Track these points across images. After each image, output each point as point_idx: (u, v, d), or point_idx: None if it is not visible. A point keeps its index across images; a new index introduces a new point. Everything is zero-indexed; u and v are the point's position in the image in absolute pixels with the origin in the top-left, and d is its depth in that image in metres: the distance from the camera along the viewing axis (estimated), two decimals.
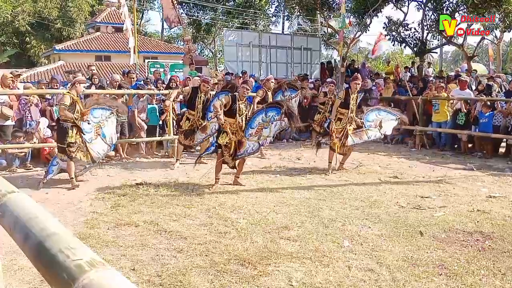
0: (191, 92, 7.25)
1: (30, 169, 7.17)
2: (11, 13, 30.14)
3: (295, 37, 16.18)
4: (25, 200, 1.28)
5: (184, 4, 30.61)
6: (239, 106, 5.91)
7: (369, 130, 7.01)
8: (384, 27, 15.67)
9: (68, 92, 5.98)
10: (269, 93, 8.26)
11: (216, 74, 13.75)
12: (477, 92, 10.04)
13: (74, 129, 5.90)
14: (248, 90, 6.06)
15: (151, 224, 4.36)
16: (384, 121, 7.05)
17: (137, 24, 16.36)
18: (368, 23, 16.06)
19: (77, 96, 6.00)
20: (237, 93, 6.00)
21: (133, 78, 9.15)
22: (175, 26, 13.74)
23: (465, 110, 9.14)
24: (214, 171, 6.04)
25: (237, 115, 5.89)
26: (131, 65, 13.07)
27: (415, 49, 15.56)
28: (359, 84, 6.84)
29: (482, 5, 12.95)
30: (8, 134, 7.40)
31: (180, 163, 7.51)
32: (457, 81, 10.43)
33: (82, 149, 5.99)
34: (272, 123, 6.08)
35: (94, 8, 33.76)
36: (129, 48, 12.62)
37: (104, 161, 7.39)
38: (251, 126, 5.99)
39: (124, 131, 8.24)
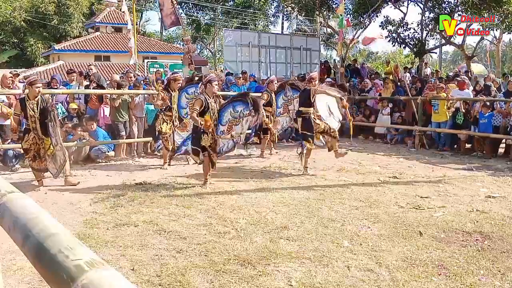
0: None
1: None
2: (10, 13, 30.11)
3: (295, 37, 16.20)
4: (24, 200, 1.28)
5: (183, 4, 30.64)
6: (210, 104, 5.83)
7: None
8: (380, 26, 15.71)
9: (21, 99, 5.76)
10: (273, 95, 8.24)
11: (221, 71, 13.77)
12: (475, 93, 10.06)
13: (29, 133, 5.73)
14: (216, 86, 5.94)
15: (150, 224, 4.36)
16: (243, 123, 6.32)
17: (136, 24, 16.34)
18: (367, 24, 16.09)
19: (34, 99, 5.66)
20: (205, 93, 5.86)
21: (131, 78, 9.17)
22: (172, 26, 13.74)
23: (464, 110, 9.16)
24: (205, 173, 5.99)
25: (210, 113, 5.81)
26: (131, 65, 13.08)
27: (414, 49, 15.59)
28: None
29: (482, 5, 12.97)
30: (8, 133, 7.40)
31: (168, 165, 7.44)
32: (455, 81, 10.46)
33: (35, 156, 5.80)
34: (242, 119, 6.09)
35: (94, 7, 33.69)
36: (130, 48, 12.63)
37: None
38: (221, 123, 6.01)
39: (125, 132, 8.25)
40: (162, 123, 7.10)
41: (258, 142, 8.74)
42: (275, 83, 8.36)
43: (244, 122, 6.13)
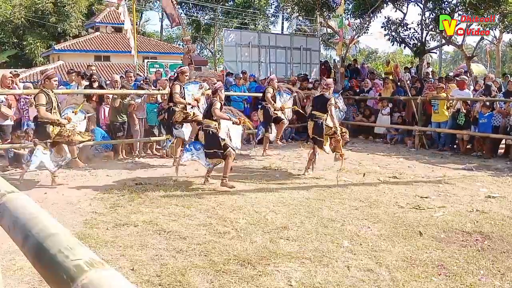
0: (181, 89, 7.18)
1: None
2: (10, 13, 30.10)
3: (295, 37, 16.19)
4: (24, 200, 1.28)
5: (183, 4, 30.64)
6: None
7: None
8: (382, 26, 15.69)
9: (41, 90, 5.79)
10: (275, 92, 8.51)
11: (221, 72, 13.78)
12: (475, 92, 10.07)
13: (53, 125, 5.77)
14: (223, 94, 6.30)
15: (150, 224, 4.36)
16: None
17: (136, 24, 16.34)
18: (367, 24, 16.08)
19: (52, 92, 5.86)
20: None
21: (131, 77, 9.18)
22: (176, 26, 13.76)
23: (465, 111, 9.16)
24: (227, 171, 5.87)
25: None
26: (132, 65, 13.10)
27: (414, 49, 15.57)
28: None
29: (481, 5, 12.96)
30: (8, 133, 7.40)
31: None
32: (455, 81, 10.46)
33: (74, 132, 5.88)
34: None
35: (93, 7, 33.66)
36: (131, 48, 12.64)
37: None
38: None
39: (123, 132, 8.25)
40: (182, 114, 7.05)
41: (270, 134, 8.64)
42: (275, 82, 8.63)
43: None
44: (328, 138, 6.74)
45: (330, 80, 7.25)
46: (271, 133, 8.58)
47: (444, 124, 9.57)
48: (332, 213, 4.80)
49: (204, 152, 5.98)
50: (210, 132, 5.88)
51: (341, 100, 9.82)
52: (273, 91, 8.43)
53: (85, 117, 6.48)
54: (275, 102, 8.43)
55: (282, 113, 8.60)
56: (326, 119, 6.66)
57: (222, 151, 5.85)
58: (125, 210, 4.85)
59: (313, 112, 6.78)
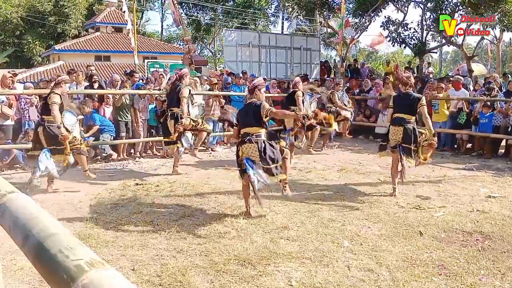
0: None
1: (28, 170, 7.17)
2: (10, 13, 30.12)
3: (295, 37, 16.19)
4: (25, 200, 1.28)
5: (183, 4, 30.65)
6: None
7: None
8: (381, 26, 15.71)
9: (54, 92, 5.47)
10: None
11: (221, 71, 13.73)
12: (475, 92, 10.06)
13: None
14: (263, 93, 5.52)
15: (150, 224, 4.36)
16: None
17: (136, 24, 16.34)
18: (367, 24, 16.10)
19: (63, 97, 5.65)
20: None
21: (137, 78, 9.20)
22: (177, 25, 13.83)
23: (467, 110, 9.15)
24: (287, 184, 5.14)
25: None
26: (133, 65, 13.11)
27: (414, 49, 15.58)
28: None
29: (481, 5, 12.96)
30: (7, 133, 7.40)
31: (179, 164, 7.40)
32: (449, 81, 10.46)
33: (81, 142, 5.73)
34: None
35: (94, 7, 33.66)
36: (133, 48, 12.65)
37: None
38: None
39: (125, 132, 8.25)
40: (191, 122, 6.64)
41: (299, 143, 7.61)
42: (301, 84, 7.59)
43: None
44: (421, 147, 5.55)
45: (409, 75, 6.02)
46: (301, 142, 7.55)
47: (444, 124, 9.56)
48: (332, 213, 4.79)
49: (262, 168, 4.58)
50: (266, 143, 4.63)
51: (346, 97, 9.71)
52: (303, 95, 7.34)
53: (77, 120, 6.06)
54: (294, 106, 7.39)
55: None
56: (414, 121, 5.63)
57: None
58: (125, 210, 4.85)
59: (398, 115, 5.62)
